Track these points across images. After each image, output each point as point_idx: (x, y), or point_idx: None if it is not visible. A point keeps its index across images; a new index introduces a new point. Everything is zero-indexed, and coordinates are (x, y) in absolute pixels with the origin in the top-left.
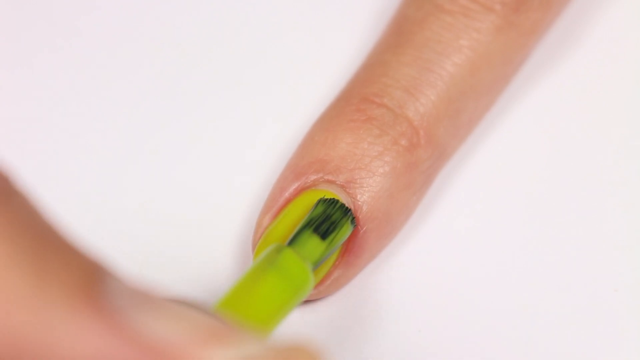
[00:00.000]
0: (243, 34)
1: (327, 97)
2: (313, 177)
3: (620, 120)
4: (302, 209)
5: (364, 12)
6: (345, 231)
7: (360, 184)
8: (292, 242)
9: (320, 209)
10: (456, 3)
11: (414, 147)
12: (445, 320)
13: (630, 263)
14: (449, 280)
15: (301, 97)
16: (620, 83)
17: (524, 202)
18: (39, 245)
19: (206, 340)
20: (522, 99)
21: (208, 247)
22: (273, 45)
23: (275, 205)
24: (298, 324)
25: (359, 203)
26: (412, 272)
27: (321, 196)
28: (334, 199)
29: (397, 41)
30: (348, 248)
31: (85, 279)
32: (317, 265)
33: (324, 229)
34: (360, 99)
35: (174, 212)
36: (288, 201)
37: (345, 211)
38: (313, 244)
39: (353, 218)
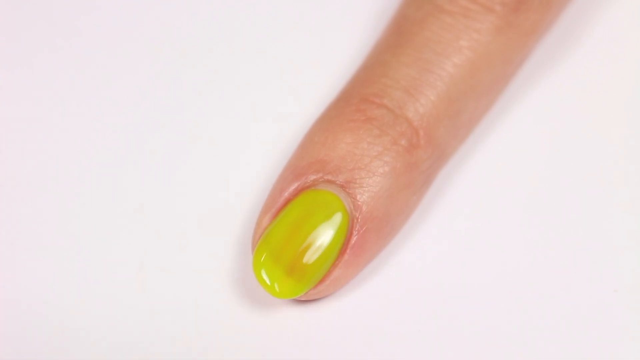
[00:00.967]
0: (243, 34)
1: (327, 97)
2: (313, 177)
3: (620, 120)
4: (301, 209)
5: (364, 12)
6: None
7: (360, 184)
8: None
9: None
10: (456, 3)
11: (414, 148)
12: (445, 319)
13: (630, 263)
14: (449, 280)
15: (301, 97)
16: (620, 83)
17: (524, 202)
18: None
19: None
20: (522, 99)
21: (208, 247)
22: (273, 45)
23: (275, 206)
24: (298, 323)
25: (359, 203)
26: (412, 272)
27: (321, 196)
28: None
29: (397, 41)
30: (348, 247)
31: None
32: None
33: None
34: (360, 100)
35: (174, 212)
36: (288, 201)
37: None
38: None
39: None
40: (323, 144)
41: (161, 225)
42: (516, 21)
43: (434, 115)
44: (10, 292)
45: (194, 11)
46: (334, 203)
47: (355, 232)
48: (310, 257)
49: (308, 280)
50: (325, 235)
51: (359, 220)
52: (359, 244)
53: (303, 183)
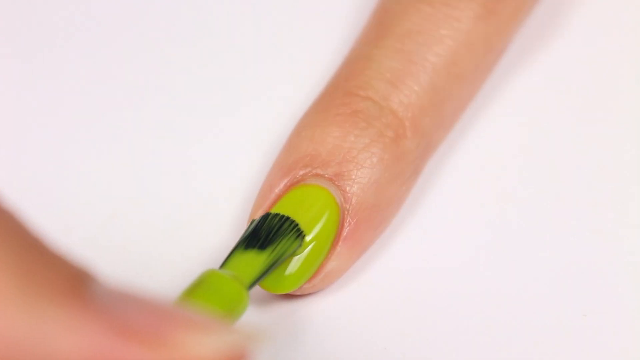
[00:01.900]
0: (226, 32)
1: (312, 93)
2: (302, 172)
3: (604, 106)
4: (292, 204)
5: (344, 7)
6: (290, 240)
7: (348, 176)
8: (223, 265)
9: (252, 225)
10: None
11: (400, 138)
12: (438, 313)
13: (631, 263)
14: (441, 272)
15: (286, 94)
16: (602, 69)
17: (513, 192)
18: (26, 252)
19: (188, 328)
20: (507, 87)
21: (199, 246)
22: (256, 43)
23: (266, 202)
24: (291, 318)
25: (349, 195)
26: (404, 265)
27: (311, 191)
28: (268, 213)
29: (378, 34)
30: (340, 240)
31: (72, 281)
32: (263, 276)
33: (261, 239)
34: (345, 93)
35: (163, 210)
36: (278, 197)
37: (290, 222)
38: (248, 259)
39: (300, 232)
40: (310, 139)
41: (150, 224)
42: (496, 8)
43: (419, 105)
44: None
45: (185, 11)
46: (324, 196)
47: (346, 224)
48: (302, 251)
49: (301, 275)
50: (316, 229)
51: (350, 212)
52: (351, 235)
53: (292, 178)
